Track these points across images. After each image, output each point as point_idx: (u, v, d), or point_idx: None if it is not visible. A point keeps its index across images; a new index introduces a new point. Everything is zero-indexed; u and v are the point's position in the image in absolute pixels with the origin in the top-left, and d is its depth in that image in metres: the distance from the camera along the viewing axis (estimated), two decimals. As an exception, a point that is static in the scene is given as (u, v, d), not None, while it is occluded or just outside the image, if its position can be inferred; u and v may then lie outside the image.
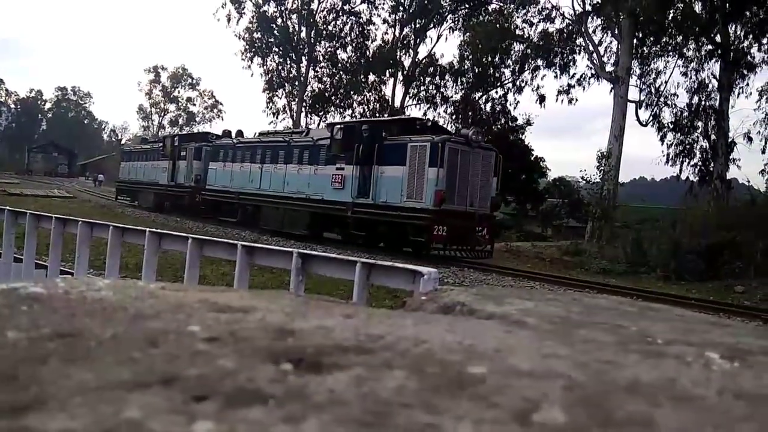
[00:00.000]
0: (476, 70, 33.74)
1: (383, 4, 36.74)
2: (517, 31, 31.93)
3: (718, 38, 25.67)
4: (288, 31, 38.43)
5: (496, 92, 34.28)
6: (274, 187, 20.19)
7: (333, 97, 38.00)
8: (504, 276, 14.27)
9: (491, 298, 1.29)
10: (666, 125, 28.64)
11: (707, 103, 27.79)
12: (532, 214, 32.11)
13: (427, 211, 14.93)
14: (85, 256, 6.49)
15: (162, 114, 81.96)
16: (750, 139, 26.89)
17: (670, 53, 28.01)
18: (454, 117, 34.19)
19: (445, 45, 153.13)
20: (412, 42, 36.18)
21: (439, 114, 34.99)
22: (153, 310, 0.91)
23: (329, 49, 38.33)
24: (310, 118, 38.41)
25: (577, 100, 31.10)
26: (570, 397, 0.64)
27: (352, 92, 37.69)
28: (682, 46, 27.46)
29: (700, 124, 28.21)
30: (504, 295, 1.37)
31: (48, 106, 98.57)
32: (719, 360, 0.84)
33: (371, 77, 37.53)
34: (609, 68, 27.47)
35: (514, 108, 34.07)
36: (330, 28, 37.95)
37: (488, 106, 34.46)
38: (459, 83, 35.02)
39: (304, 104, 38.40)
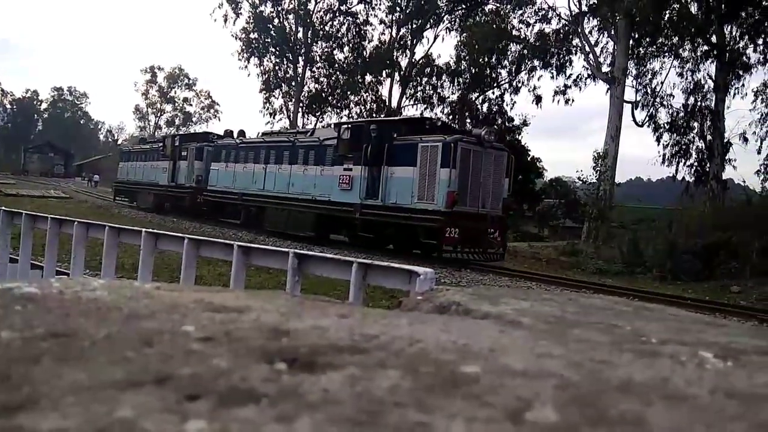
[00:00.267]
0: (473, 71, 33.77)
1: (380, 4, 36.82)
2: (514, 32, 31.99)
3: (713, 39, 25.76)
4: (285, 31, 38.44)
5: (493, 93, 34.39)
6: (278, 188, 19.88)
7: (330, 98, 38.02)
8: (500, 276, 14.28)
9: (487, 298, 1.29)
10: (662, 126, 28.76)
11: (703, 104, 27.90)
12: (529, 215, 32.14)
13: (439, 213, 14.65)
14: (80, 257, 6.46)
15: (158, 114, 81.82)
16: (746, 140, 27.02)
17: (666, 54, 28.12)
18: (450, 117, 34.19)
19: (442, 45, 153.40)
20: (408, 42, 36.24)
21: (435, 114, 35.00)
22: (148, 310, 0.91)
23: (326, 49, 38.36)
24: (307, 119, 38.49)
25: (573, 100, 31.23)
26: (563, 397, 0.65)
27: (349, 93, 37.70)
28: (678, 47, 27.55)
29: (696, 124, 28.32)
30: (500, 295, 1.37)
31: (44, 106, 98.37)
32: (713, 359, 0.85)
33: (368, 77, 37.56)
34: (605, 69, 27.55)
35: (511, 108, 34.18)
36: (327, 28, 37.98)
37: (485, 106, 34.54)
38: (456, 84, 35.09)
39: (301, 104, 38.39)
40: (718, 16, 24.95)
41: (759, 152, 26.91)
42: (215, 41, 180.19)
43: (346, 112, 37.59)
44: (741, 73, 26.60)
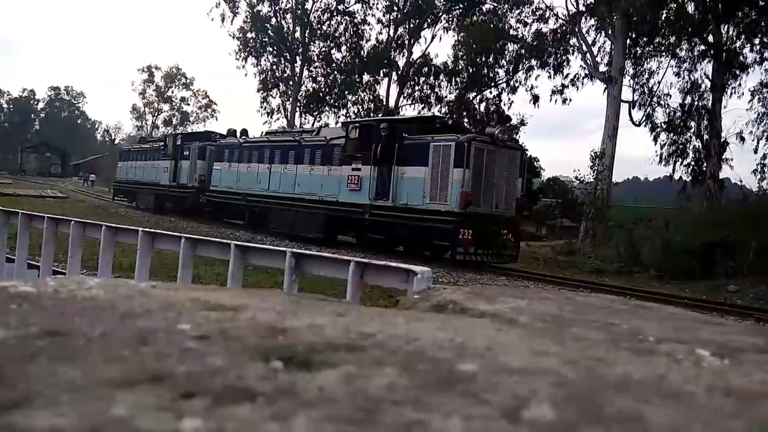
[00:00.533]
0: (470, 70, 33.78)
1: (377, 4, 36.75)
2: (511, 31, 32.01)
3: (710, 38, 25.79)
4: (282, 30, 38.41)
5: (490, 92, 34.37)
6: (283, 189, 19.46)
7: (327, 97, 37.98)
8: (498, 276, 14.28)
9: (484, 296, 1.29)
10: (659, 125, 28.77)
11: (700, 103, 27.92)
12: (526, 214, 32.16)
13: (452, 214, 14.34)
14: (77, 256, 6.44)
15: (156, 114, 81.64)
16: (742, 139, 27.03)
17: (663, 53, 28.13)
18: (448, 117, 34.23)
19: (440, 45, 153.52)
20: (406, 42, 36.22)
21: (433, 114, 35.03)
22: (143, 309, 0.91)
23: (323, 48, 38.32)
24: (305, 118, 38.44)
25: (570, 100, 31.21)
26: (559, 394, 0.64)
27: (346, 92, 37.67)
28: (675, 47, 27.58)
29: (693, 124, 28.33)
30: (497, 293, 1.37)
31: (41, 105, 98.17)
32: (709, 357, 0.85)
33: (365, 77, 37.53)
34: (602, 68, 27.56)
35: (508, 108, 34.13)
36: (324, 27, 37.95)
37: (482, 106, 34.53)
38: (453, 83, 35.08)
39: (299, 104, 38.36)
40: (715, 16, 24.99)
41: (756, 152, 26.95)
42: (212, 41, 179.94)
43: (344, 111, 37.63)
44: (738, 72, 26.64)
